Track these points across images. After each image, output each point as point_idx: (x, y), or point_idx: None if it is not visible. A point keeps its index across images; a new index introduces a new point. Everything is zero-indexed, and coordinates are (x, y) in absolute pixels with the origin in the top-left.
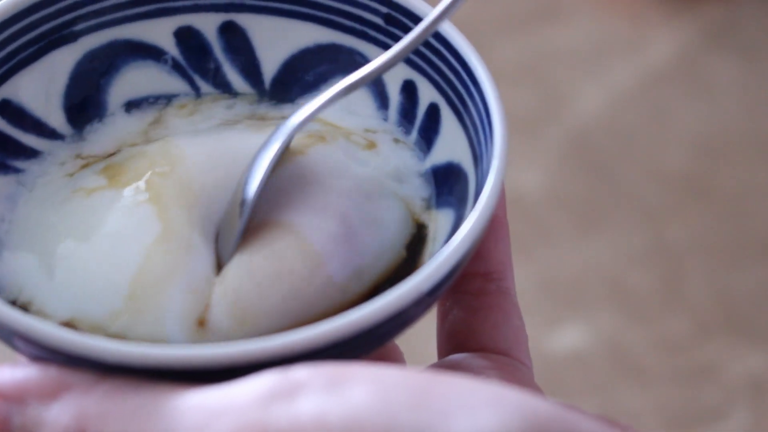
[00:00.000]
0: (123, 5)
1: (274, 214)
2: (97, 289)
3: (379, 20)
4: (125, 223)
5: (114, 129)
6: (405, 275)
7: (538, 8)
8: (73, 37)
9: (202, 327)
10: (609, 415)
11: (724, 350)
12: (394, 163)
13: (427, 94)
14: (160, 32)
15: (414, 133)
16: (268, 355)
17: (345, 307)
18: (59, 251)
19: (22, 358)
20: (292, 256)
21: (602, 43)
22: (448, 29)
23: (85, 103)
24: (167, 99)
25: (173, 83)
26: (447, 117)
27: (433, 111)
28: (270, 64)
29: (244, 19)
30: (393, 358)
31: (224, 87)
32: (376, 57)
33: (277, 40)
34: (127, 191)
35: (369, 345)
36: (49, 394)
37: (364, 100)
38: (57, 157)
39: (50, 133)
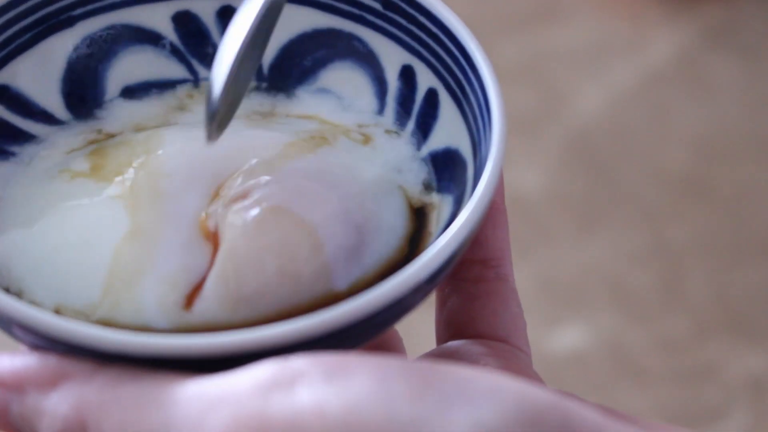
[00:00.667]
0: None
1: (280, 202)
2: (76, 280)
3: (377, 5)
4: (97, 216)
5: (132, 112)
6: (405, 264)
7: (538, 8)
8: (70, 22)
9: (188, 311)
10: None
11: (724, 350)
12: (391, 154)
13: (426, 80)
14: (158, 17)
15: (409, 121)
16: (266, 344)
17: (343, 297)
18: (42, 235)
19: (21, 347)
20: (294, 245)
21: (602, 43)
22: (446, 14)
23: (83, 89)
24: (167, 85)
25: (171, 68)
26: (445, 102)
27: (432, 96)
28: (268, 49)
29: None
30: (392, 344)
31: None
32: (374, 42)
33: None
34: (103, 183)
35: (368, 333)
36: (49, 383)
37: (362, 85)
38: (63, 136)
39: (49, 119)
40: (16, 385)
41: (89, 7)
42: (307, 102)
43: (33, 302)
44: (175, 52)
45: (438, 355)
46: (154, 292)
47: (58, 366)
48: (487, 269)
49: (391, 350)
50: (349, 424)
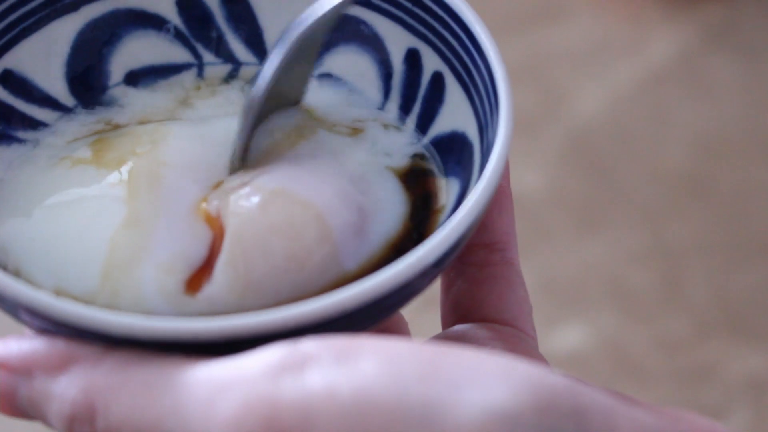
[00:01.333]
0: None
1: (288, 187)
2: (74, 266)
3: None
4: (97, 203)
5: (140, 103)
6: (411, 247)
7: (538, 8)
8: (74, 6)
9: (189, 295)
10: None
11: (724, 350)
12: (383, 143)
13: (432, 63)
14: (162, 1)
15: (416, 104)
16: (275, 327)
17: (349, 280)
18: (42, 219)
19: (28, 331)
20: (307, 232)
21: (602, 43)
22: None
23: (87, 74)
24: (172, 70)
25: (176, 53)
26: (451, 86)
27: (438, 80)
28: (273, 33)
29: None
30: (398, 329)
31: (227, 56)
32: (379, 25)
33: (280, 8)
34: (104, 170)
35: (375, 316)
36: (57, 366)
37: (367, 69)
38: (69, 125)
39: (53, 104)
40: (24, 369)
41: None
42: (310, 90)
43: (30, 283)
44: (179, 36)
45: (444, 339)
46: (152, 278)
47: (66, 349)
48: (492, 253)
49: (398, 334)
50: (359, 406)
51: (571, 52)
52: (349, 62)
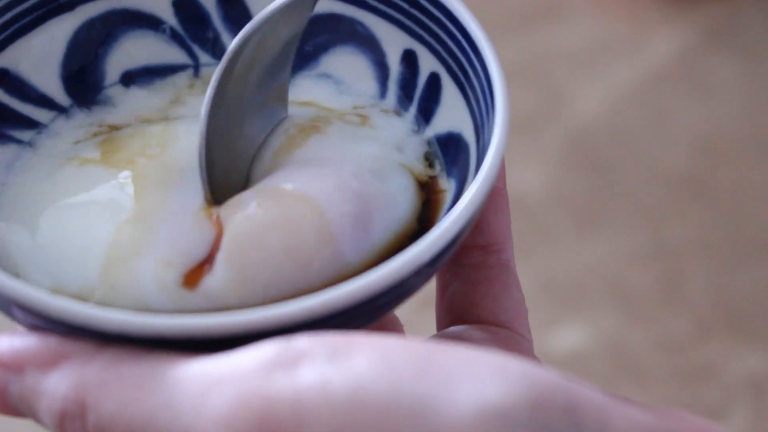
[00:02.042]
0: None
1: (286, 185)
2: (73, 263)
3: None
4: (103, 201)
5: (134, 103)
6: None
7: (538, 8)
8: (70, 6)
9: (188, 289)
10: None
11: (724, 350)
12: (389, 131)
13: (428, 64)
14: (158, 1)
15: (411, 106)
16: (268, 324)
17: (352, 274)
18: (43, 219)
19: (20, 328)
20: (304, 225)
21: (602, 43)
22: None
23: (83, 74)
24: (168, 71)
25: (172, 53)
26: (448, 86)
27: (434, 81)
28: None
29: None
30: (393, 329)
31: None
32: (376, 26)
33: None
34: (113, 170)
35: (369, 315)
36: (48, 363)
37: (363, 70)
38: (66, 125)
39: (49, 104)
40: (16, 365)
41: None
42: (305, 88)
43: (27, 282)
44: (175, 36)
45: (439, 340)
46: (151, 271)
47: (58, 346)
48: (488, 255)
49: (392, 332)
50: (353, 402)
51: (571, 52)
52: (345, 63)
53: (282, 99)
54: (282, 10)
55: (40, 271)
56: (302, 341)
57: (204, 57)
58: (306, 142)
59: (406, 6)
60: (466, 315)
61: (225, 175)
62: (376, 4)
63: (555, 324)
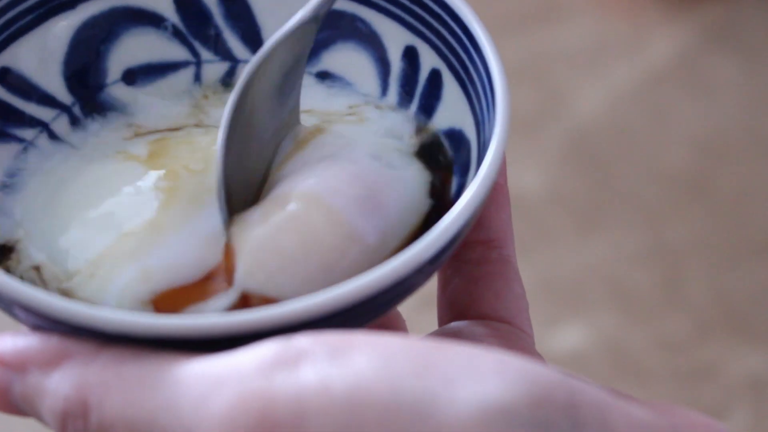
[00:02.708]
0: None
1: (296, 187)
2: (75, 245)
3: None
4: (129, 199)
5: (165, 106)
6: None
7: (538, 8)
8: (72, 4)
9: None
10: None
11: (724, 350)
12: (386, 124)
13: (429, 60)
14: None
15: (412, 102)
16: (269, 324)
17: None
18: (65, 197)
19: (22, 328)
20: (321, 228)
21: (602, 43)
22: None
23: (85, 72)
24: (169, 68)
25: (173, 50)
26: (449, 83)
27: (435, 77)
28: (270, 30)
29: None
30: (395, 325)
31: (225, 54)
32: (377, 23)
33: (277, 5)
34: (152, 173)
35: (371, 313)
36: (51, 362)
37: (365, 66)
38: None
39: (51, 102)
40: (18, 365)
41: None
42: (303, 94)
43: (23, 251)
44: (177, 34)
45: (440, 336)
46: (126, 279)
47: (60, 346)
48: (489, 250)
49: (394, 330)
50: (353, 401)
51: (571, 52)
52: (347, 60)
53: (293, 118)
54: (294, 31)
55: (38, 243)
56: (303, 341)
57: (206, 54)
58: (305, 148)
59: (407, 2)
60: (468, 310)
61: (240, 198)
62: (377, 0)
63: (555, 324)
